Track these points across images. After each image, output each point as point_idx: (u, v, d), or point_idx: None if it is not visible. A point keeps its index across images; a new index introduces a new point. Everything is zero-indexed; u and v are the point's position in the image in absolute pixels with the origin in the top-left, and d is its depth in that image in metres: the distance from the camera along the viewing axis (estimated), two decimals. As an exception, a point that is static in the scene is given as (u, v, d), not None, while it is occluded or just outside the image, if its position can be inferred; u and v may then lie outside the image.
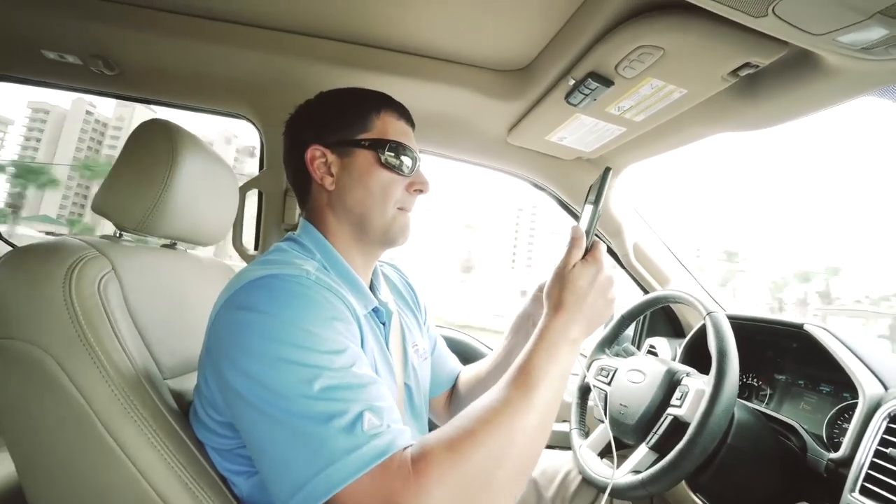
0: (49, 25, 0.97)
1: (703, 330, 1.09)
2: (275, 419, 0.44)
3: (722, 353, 0.75)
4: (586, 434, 1.02)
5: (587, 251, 0.58)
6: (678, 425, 0.78)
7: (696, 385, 0.79)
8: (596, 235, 0.60)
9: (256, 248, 1.28)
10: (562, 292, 0.55)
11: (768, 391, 1.05)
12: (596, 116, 0.87)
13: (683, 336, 1.34)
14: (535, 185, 1.28)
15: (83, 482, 0.51)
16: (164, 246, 0.81)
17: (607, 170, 0.59)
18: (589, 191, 0.62)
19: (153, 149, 0.67)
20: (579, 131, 0.95)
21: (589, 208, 0.61)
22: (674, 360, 1.15)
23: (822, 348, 0.84)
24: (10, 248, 1.00)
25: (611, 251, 1.32)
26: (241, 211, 1.23)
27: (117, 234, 0.70)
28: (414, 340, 0.76)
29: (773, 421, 0.86)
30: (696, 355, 1.07)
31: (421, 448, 0.44)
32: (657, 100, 0.77)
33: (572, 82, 0.77)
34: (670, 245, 1.32)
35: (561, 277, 0.56)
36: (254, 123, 1.23)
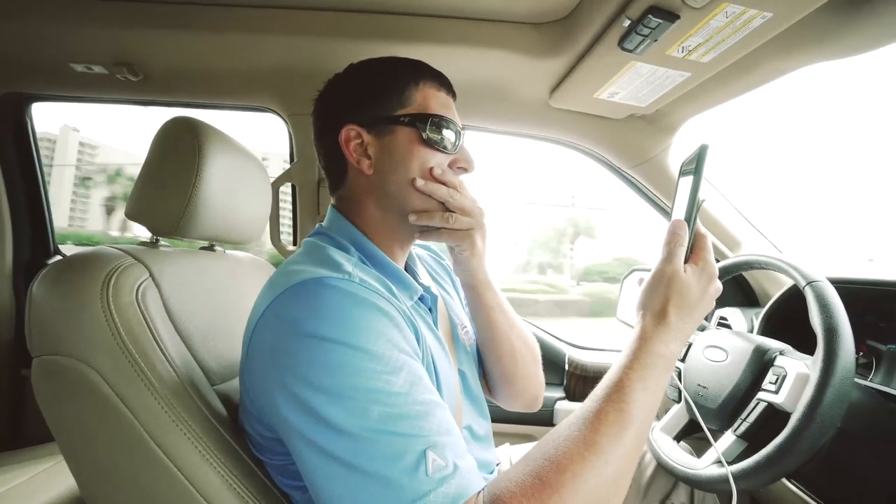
0: (74, 36, 0.97)
1: (786, 298, 0.97)
2: (332, 456, 0.40)
3: (831, 331, 0.63)
4: (657, 415, 0.94)
5: (690, 248, 0.50)
6: (773, 413, 0.68)
7: (796, 367, 0.68)
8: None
9: (295, 243, 1.26)
10: (667, 303, 0.47)
11: (873, 363, 0.91)
12: (654, 62, 0.76)
13: (758, 305, 1.21)
14: (581, 151, 1.17)
15: (141, 500, 0.49)
16: (203, 248, 0.80)
17: (704, 147, 0.49)
18: (681, 170, 0.53)
19: (178, 148, 0.64)
20: (634, 83, 0.84)
21: (685, 192, 0.51)
22: (750, 332, 1.03)
23: None
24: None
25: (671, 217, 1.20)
26: (275, 207, 1.22)
27: (154, 240, 0.68)
28: (462, 322, 0.71)
29: (891, 399, 0.74)
30: (779, 328, 0.95)
31: (496, 499, 0.39)
32: (732, 31, 0.64)
33: (627, 23, 0.66)
34: (739, 205, 1.19)
35: (666, 284, 0.48)
36: (280, 115, 1.20)
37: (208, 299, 0.67)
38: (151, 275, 0.57)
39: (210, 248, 0.80)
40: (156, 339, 0.52)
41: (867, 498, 0.70)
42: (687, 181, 0.51)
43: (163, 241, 0.69)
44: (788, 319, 0.95)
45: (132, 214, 0.65)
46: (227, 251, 0.85)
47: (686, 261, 0.50)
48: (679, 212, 0.52)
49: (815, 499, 0.76)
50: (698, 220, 0.50)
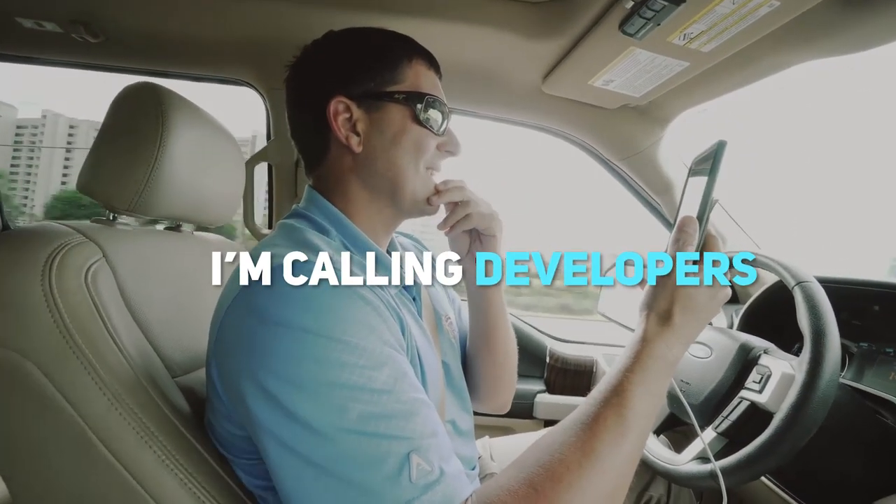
0: None
1: (767, 296, 0.98)
2: (305, 459, 0.36)
3: (819, 334, 0.62)
4: None
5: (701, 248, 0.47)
6: (756, 412, 0.68)
7: (781, 368, 0.67)
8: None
9: (270, 226, 1.20)
10: (673, 304, 0.44)
11: (846, 359, 0.93)
12: (653, 50, 0.73)
13: (737, 302, 1.23)
14: (571, 141, 1.15)
15: None
16: (168, 228, 0.74)
17: (722, 143, 0.46)
18: (691, 169, 0.50)
19: (140, 115, 0.58)
20: (630, 71, 0.81)
21: (696, 191, 0.48)
22: (730, 328, 1.04)
23: None
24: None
25: (657, 211, 1.19)
26: (249, 187, 1.15)
27: (110, 217, 0.62)
28: (446, 313, 0.69)
29: (864, 396, 0.75)
30: (759, 325, 0.96)
31: None
32: (738, 19, 0.62)
33: (630, 4, 0.63)
34: (726, 204, 1.19)
35: (673, 285, 0.45)
36: (256, 89, 1.12)
37: (172, 283, 0.62)
38: (105, 255, 0.51)
39: (176, 228, 0.74)
40: (107, 326, 0.46)
41: (839, 493, 0.72)
42: (699, 180, 0.48)
43: (122, 219, 0.63)
44: (768, 317, 0.95)
45: (84, 187, 0.59)
46: (195, 233, 0.79)
47: None
48: (688, 211, 0.50)
49: (788, 493, 0.77)
50: (710, 221, 0.48)
